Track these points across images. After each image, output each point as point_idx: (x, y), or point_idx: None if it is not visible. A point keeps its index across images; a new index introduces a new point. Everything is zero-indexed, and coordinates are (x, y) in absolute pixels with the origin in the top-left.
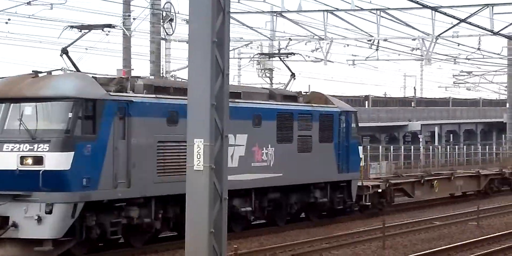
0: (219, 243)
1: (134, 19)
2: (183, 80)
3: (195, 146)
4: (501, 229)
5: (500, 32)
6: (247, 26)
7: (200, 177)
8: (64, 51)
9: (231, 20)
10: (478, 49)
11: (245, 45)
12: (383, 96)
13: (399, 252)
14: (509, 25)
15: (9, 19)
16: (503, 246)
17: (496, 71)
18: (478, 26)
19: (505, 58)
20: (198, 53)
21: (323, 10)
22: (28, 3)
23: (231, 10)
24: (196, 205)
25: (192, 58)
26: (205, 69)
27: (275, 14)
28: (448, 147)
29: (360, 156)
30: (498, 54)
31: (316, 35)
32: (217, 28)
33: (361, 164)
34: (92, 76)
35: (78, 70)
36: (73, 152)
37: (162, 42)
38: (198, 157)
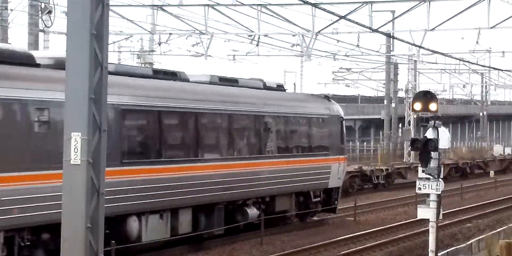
0: (96, 238)
1: (11, 10)
2: None
3: (72, 140)
4: (377, 224)
5: (379, 30)
6: (128, 19)
7: (77, 172)
8: None
9: (111, 13)
10: (357, 46)
11: (125, 38)
12: None
13: (276, 248)
14: (387, 23)
15: None
16: (379, 242)
17: (374, 68)
18: (357, 23)
19: (383, 56)
20: (76, 46)
21: (204, 5)
22: None
23: (111, 3)
24: (73, 200)
25: (70, 50)
26: (84, 62)
27: (156, 7)
28: None
29: None
30: (377, 51)
31: (197, 30)
32: (96, 20)
33: None
34: None
35: None
36: None
37: (41, 34)
38: (76, 151)
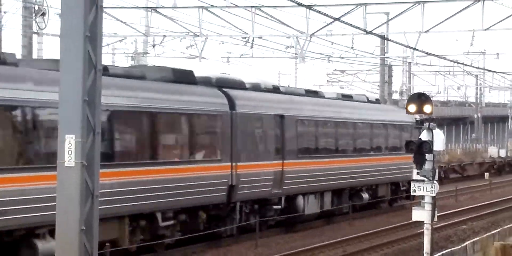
0: (90, 241)
1: (5, 12)
2: None
3: (66, 142)
4: (372, 227)
5: (373, 32)
6: (122, 21)
7: (71, 174)
8: None
9: (105, 15)
10: (352, 48)
11: (119, 40)
12: None
13: (271, 250)
14: (381, 25)
15: None
16: (374, 244)
17: (368, 70)
18: (351, 25)
19: (378, 57)
20: (70, 48)
21: (198, 7)
22: None
23: (105, 5)
24: (67, 202)
25: (64, 52)
26: (77, 64)
27: (150, 9)
28: None
29: None
30: (371, 53)
31: (191, 32)
32: (89, 22)
33: None
34: None
35: None
36: None
37: (35, 36)
38: (69, 154)
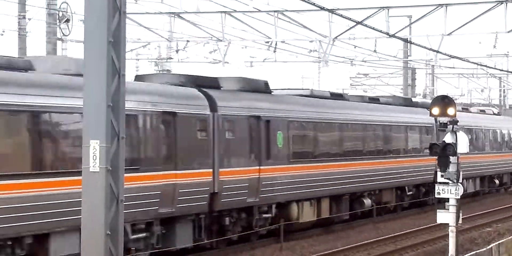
0: (116, 245)
1: (29, 19)
2: None
3: (91, 147)
4: (396, 230)
5: (395, 35)
6: (145, 27)
7: (96, 179)
8: None
9: (128, 21)
10: (375, 51)
11: (143, 46)
12: None
13: (296, 253)
14: (404, 28)
15: None
16: (399, 247)
17: (392, 73)
18: (374, 29)
19: (401, 61)
20: (94, 53)
21: (221, 12)
22: None
23: (128, 11)
24: (92, 207)
25: (88, 58)
26: (101, 70)
27: (173, 15)
28: None
29: None
30: (394, 56)
31: (214, 37)
32: (113, 28)
33: None
34: None
35: None
36: None
37: (59, 43)
38: (94, 159)
